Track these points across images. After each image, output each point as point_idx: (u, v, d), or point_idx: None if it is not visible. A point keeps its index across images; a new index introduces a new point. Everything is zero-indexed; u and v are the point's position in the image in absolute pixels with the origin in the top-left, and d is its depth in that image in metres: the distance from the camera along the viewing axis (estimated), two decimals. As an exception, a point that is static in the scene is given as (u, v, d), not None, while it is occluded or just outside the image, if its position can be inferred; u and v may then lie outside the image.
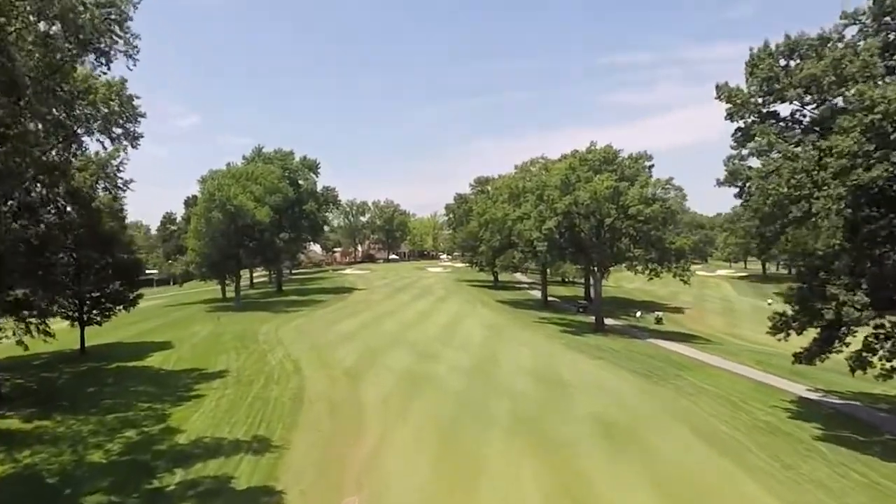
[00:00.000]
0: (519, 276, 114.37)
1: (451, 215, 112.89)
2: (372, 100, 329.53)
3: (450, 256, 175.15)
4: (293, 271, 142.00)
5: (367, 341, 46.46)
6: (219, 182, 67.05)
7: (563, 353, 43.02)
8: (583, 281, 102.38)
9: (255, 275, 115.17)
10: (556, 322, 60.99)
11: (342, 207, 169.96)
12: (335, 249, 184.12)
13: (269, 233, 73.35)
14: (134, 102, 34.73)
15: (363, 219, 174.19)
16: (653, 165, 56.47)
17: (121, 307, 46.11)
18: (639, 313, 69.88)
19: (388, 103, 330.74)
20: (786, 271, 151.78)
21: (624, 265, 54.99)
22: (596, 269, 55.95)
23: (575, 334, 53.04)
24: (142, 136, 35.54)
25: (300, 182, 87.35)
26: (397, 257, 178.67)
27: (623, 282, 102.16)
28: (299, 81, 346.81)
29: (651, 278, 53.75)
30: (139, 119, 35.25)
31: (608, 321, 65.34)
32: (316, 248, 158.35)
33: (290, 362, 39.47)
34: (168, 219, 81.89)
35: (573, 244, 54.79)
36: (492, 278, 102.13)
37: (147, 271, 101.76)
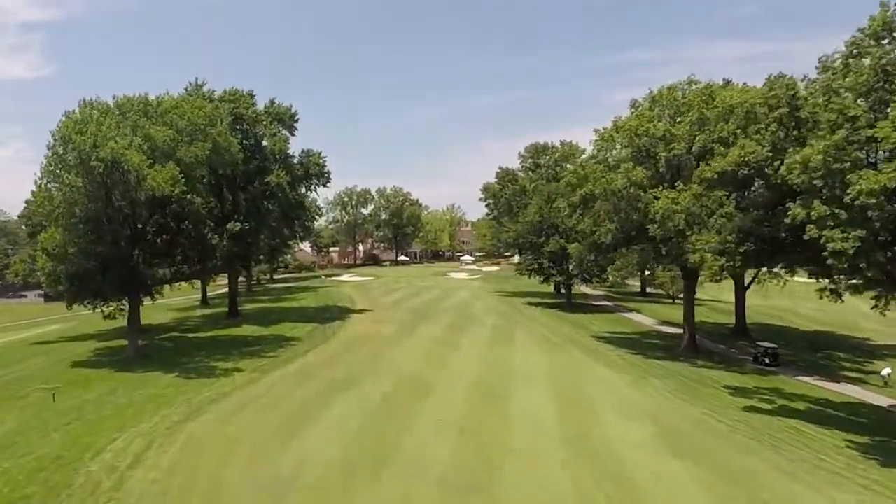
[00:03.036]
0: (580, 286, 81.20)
1: (491, 201, 79.50)
2: (371, 98, 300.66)
3: (473, 258, 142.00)
4: (273, 276, 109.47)
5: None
6: (83, 118, 34.09)
7: None
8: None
9: (214, 282, 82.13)
10: (792, 409, 27.69)
11: (339, 196, 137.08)
12: (331, 249, 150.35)
13: (201, 219, 40.27)
14: None
15: (365, 211, 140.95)
16: None
17: None
18: (886, 371, 36.75)
19: (388, 102, 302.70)
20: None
21: None
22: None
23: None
24: None
25: (264, 143, 54.34)
26: (407, 259, 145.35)
27: (711, 291, 67.98)
28: (298, 80, 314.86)
29: None
30: None
31: (810, 379, 32.44)
32: (305, 246, 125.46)
33: None
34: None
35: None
36: (545, 288, 69.36)
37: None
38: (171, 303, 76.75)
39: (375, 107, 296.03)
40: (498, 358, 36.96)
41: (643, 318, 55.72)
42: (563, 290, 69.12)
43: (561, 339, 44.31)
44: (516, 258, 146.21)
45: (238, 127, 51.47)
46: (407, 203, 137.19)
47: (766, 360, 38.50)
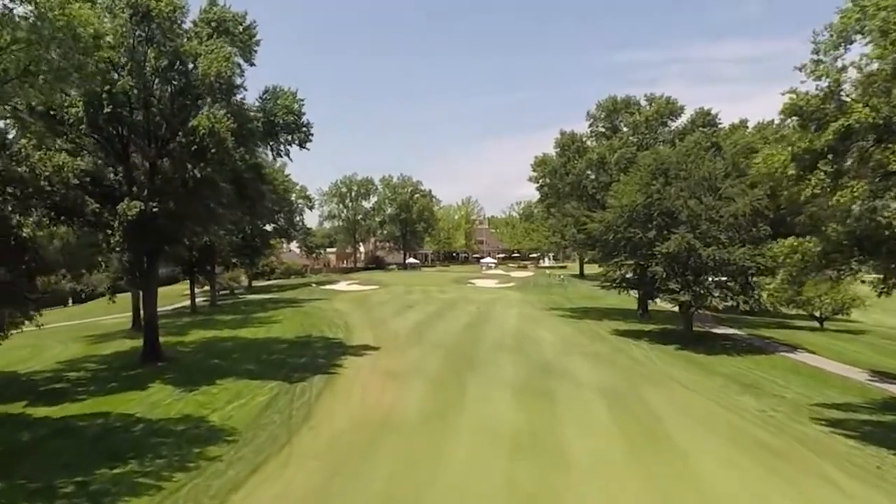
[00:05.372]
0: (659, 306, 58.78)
1: (543, 181, 56.73)
2: (370, 99, 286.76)
3: (497, 260, 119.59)
4: (252, 283, 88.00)
5: None
6: None
7: None
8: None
9: (201, 285, 59.99)
10: None
11: (336, 187, 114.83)
12: (328, 249, 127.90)
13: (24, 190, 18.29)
14: None
15: (367, 204, 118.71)
16: None
17: None
18: None
19: (386, 102, 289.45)
20: None
21: None
22: None
23: None
24: None
25: (194, 67, 31.86)
26: (417, 261, 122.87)
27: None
28: (297, 81, 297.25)
29: None
30: None
31: None
32: (293, 247, 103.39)
33: None
34: None
35: None
36: (616, 302, 47.64)
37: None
38: (102, 322, 56.59)
39: (374, 107, 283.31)
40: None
41: (831, 365, 33.27)
42: (646, 311, 47.33)
43: (765, 428, 21.84)
44: (545, 261, 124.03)
45: (143, 32, 29.35)
46: (417, 195, 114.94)
47: None
